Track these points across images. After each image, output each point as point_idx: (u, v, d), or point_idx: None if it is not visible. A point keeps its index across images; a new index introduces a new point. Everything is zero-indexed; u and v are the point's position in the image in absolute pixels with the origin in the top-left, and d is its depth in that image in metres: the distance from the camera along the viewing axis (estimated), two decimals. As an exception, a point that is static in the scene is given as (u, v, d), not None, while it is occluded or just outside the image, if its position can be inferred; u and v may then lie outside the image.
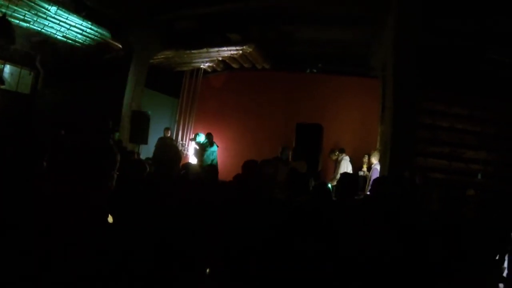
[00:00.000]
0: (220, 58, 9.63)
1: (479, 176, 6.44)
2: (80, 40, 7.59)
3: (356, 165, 8.13)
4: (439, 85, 6.24)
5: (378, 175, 6.79)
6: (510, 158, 6.30)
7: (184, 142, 10.36)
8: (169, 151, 7.77)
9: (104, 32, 7.76)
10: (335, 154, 8.32)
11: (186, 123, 10.39)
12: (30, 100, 7.14)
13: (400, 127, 6.16)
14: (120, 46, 8.39)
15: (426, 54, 5.96)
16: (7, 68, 6.89)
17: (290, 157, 6.77)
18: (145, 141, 8.82)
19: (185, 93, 10.46)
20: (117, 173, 2.51)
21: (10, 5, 5.58)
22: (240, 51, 9.04)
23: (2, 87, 6.34)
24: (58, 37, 7.13)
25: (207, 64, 10.04)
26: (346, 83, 9.09)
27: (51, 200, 1.98)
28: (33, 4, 6.04)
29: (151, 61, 9.06)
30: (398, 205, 3.19)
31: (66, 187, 2.09)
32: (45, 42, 6.95)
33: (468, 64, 6.26)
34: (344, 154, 8.20)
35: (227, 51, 9.11)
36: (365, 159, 7.88)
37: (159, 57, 9.13)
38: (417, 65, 5.98)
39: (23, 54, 6.85)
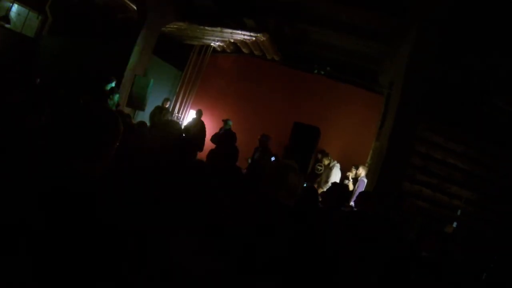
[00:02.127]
0: (232, 40, 9.52)
1: (458, 212, 6.60)
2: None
3: (342, 174, 8.22)
4: (440, 118, 6.31)
5: (363, 189, 6.94)
6: (491, 202, 6.44)
7: (180, 115, 10.31)
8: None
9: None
10: (328, 159, 8.39)
11: (186, 97, 10.31)
12: (34, 44, 6.96)
13: (395, 148, 6.26)
14: (135, 7, 8.23)
15: (434, 84, 6.02)
16: (15, 8, 6.69)
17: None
18: (142, 108, 8.75)
19: (190, 67, 10.34)
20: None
21: None
22: (254, 38, 8.94)
23: (7, 26, 6.16)
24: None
25: (218, 43, 9.92)
26: (350, 92, 9.10)
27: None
28: None
29: (163, 29, 8.91)
30: (378, 224, 3.27)
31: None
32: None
33: (472, 103, 6.33)
34: (335, 161, 8.28)
35: (241, 35, 8.99)
36: (353, 170, 7.97)
37: (171, 26, 8.97)
38: (423, 93, 6.05)
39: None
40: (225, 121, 8.61)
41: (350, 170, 8.01)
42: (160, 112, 8.21)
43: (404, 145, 6.19)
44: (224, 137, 6.57)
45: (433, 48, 5.90)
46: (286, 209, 2.78)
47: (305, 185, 4.54)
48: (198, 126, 8.44)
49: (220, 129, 8.55)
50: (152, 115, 8.31)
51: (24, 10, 6.82)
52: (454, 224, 6.55)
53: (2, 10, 6.24)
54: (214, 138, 8.22)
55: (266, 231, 2.44)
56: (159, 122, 6.22)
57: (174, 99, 10.34)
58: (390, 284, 2.92)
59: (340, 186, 4.74)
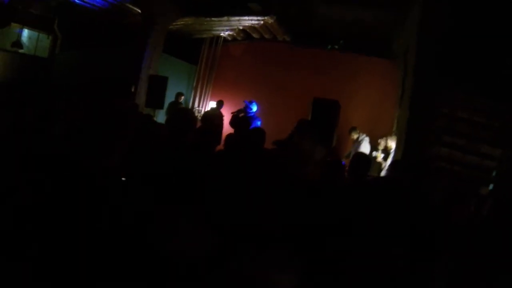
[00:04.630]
0: (241, 27, 9.46)
1: (494, 173, 6.29)
2: (99, 4, 7.53)
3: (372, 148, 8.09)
4: (462, 76, 6.02)
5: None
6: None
7: (200, 108, 10.40)
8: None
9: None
10: (356, 133, 8.25)
11: (204, 89, 10.38)
12: (48, 64, 7.21)
13: (417, 112, 6.08)
14: (139, 11, 8.31)
15: (449, 43, 5.75)
16: (25, 32, 6.93)
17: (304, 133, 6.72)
18: (161, 106, 8.86)
19: (203, 60, 10.38)
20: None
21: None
22: (261, 22, 8.85)
23: (21, 51, 6.39)
24: (77, 1, 7.10)
25: (227, 33, 9.88)
26: (366, 63, 8.84)
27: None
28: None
29: (170, 27, 8.96)
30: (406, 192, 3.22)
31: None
32: (63, 6, 6.92)
33: (492, 57, 6.00)
34: (365, 135, 8.13)
35: (248, 21, 8.92)
36: (381, 142, 7.79)
37: (178, 23, 9.01)
38: (438, 53, 5.80)
39: (41, 18, 6.85)
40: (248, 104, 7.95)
41: (377, 142, 7.85)
42: (174, 106, 8.34)
43: (426, 108, 5.99)
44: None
45: (444, 5, 5.63)
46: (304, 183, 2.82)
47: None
48: (217, 118, 8.49)
49: (239, 111, 8.02)
50: (168, 111, 8.47)
51: (33, 33, 7.06)
52: (490, 187, 6.27)
53: (13, 36, 6.48)
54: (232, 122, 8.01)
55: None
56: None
57: (192, 93, 10.43)
58: (417, 254, 2.85)
59: (364, 156, 4.64)
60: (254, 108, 7.84)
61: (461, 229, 3.66)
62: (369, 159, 4.34)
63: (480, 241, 3.35)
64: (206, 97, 10.40)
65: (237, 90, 9.90)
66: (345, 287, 2.31)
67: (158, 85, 8.66)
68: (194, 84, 10.51)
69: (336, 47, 8.97)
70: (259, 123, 7.52)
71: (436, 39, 5.80)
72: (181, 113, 3.73)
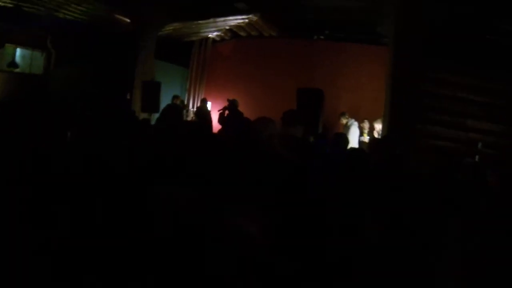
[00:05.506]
0: (228, 27, 9.73)
1: (480, 145, 6.49)
2: (89, 17, 7.81)
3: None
4: (443, 54, 6.23)
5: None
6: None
7: (194, 109, 10.68)
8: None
9: (111, 7, 7.95)
10: (345, 118, 8.49)
11: (196, 91, 10.67)
12: (44, 80, 7.49)
13: (399, 92, 6.32)
14: (129, 20, 8.60)
15: (430, 21, 5.97)
16: (19, 51, 7.20)
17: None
18: (156, 110, 9.14)
19: (194, 62, 10.67)
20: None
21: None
22: (247, 20, 9.12)
23: (16, 70, 6.67)
24: (68, 16, 7.38)
25: (215, 34, 10.16)
26: (354, 50, 9.05)
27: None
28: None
29: (160, 33, 9.24)
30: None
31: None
32: (55, 22, 7.20)
33: (473, 32, 6.21)
34: (353, 120, 8.38)
35: (234, 20, 9.19)
36: (365, 124, 8.05)
37: (167, 29, 9.29)
38: (420, 33, 6.02)
39: (34, 36, 7.13)
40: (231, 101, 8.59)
41: (362, 126, 8.10)
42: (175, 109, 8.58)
43: (408, 87, 6.22)
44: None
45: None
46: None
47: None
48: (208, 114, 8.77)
49: (224, 108, 8.50)
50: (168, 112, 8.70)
51: (27, 51, 7.33)
52: (476, 158, 6.47)
53: (7, 57, 6.75)
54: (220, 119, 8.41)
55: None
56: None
57: (186, 95, 10.72)
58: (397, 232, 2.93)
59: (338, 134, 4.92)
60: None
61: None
62: (346, 137, 4.65)
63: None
64: (199, 97, 10.68)
65: (227, 88, 10.16)
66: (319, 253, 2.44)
67: (152, 91, 8.95)
68: (187, 86, 10.79)
69: (322, 37, 9.19)
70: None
71: (415, 20, 6.03)
72: (171, 108, 4.07)
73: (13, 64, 6.94)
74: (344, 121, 8.45)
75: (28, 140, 3.46)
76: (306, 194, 2.56)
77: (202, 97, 10.69)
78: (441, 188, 3.39)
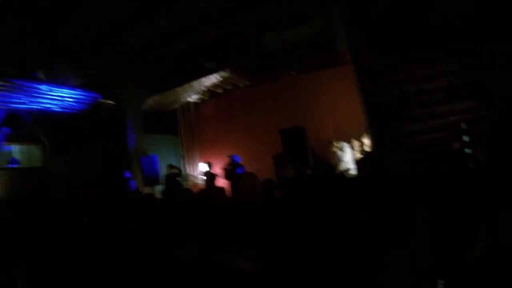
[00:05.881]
0: (204, 88, 10.32)
1: (462, 125, 6.62)
2: (77, 107, 8.37)
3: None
4: (396, 50, 6.53)
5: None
6: (484, 103, 6.47)
7: (194, 174, 10.98)
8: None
9: (95, 95, 8.56)
10: (334, 145, 8.65)
11: (191, 155, 11.05)
12: (44, 172, 7.86)
13: (371, 103, 6.61)
14: (113, 102, 9.21)
15: (375, 24, 6.39)
16: (16, 148, 7.66)
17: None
18: (157, 182, 9.48)
19: (182, 128, 11.16)
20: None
21: (5, 93, 6.37)
22: (219, 77, 9.72)
23: (18, 166, 7.08)
24: (56, 109, 7.92)
25: (195, 97, 10.75)
26: (324, 75, 9.35)
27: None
28: (26, 87, 6.87)
29: (143, 108, 9.83)
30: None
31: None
32: (44, 116, 7.74)
33: (419, 21, 6.57)
34: (342, 142, 8.57)
35: (208, 80, 9.79)
36: (353, 142, 8.25)
37: (148, 103, 9.88)
38: (368, 36, 6.43)
39: (27, 132, 7.61)
40: (232, 157, 9.15)
41: (352, 145, 8.29)
42: (170, 178, 8.95)
43: (377, 94, 6.53)
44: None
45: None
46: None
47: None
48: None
49: (228, 165, 9.10)
50: (166, 183, 9.03)
51: (23, 147, 7.79)
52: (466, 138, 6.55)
53: (5, 155, 7.18)
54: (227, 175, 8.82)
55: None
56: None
57: (181, 162, 11.08)
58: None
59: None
60: (237, 158, 8.74)
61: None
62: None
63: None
64: (194, 161, 11.04)
65: (220, 145, 10.54)
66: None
67: (150, 165, 9.36)
68: (181, 153, 11.20)
69: (293, 72, 9.71)
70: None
71: (360, 25, 6.47)
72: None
73: (13, 161, 7.36)
74: (334, 148, 8.60)
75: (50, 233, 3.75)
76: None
77: (201, 160, 11.07)
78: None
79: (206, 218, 3.57)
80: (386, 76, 6.59)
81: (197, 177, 10.87)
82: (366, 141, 7.83)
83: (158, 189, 8.96)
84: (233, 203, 3.65)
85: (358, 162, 6.47)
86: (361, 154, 8.05)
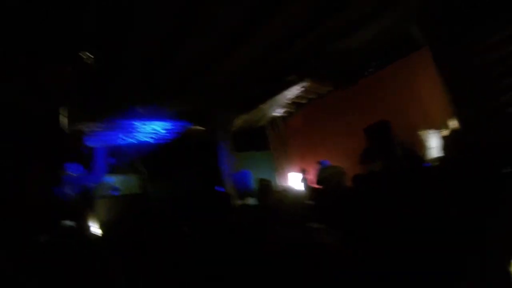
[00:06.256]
0: (289, 101, 10.49)
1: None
2: (170, 137, 9.29)
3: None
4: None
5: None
6: None
7: (290, 185, 11.10)
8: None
9: (185, 123, 9.39)
10: (422, 133, 8.12)
11: (283, 168, 11.23)
12: (144, 198, 8.78)
13: (451, 79, 6.11)
14: (203, 128, 9.96)
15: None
16: (115, 178, 8.73)
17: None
18: (250, 195, 9.82)
19: (272, 143, 11.47)
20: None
21: (105, 131, 7.42)
22: (302, 88, 9.81)
23: (120, 193, 8.09)
24: (150, 141, 8.92)
25: (281, 111, 10.99)
26: (403, 66, 8.76)
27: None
28: (124, 125, 7.90)
29: (234, 129, 10.40)
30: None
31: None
32: (140, 148, 8.76)
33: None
34: (430, 129, 8.00)
35: (290, 93, 9.95)
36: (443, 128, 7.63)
37: (238, 123, 10.41)
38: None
39: (126, 163, 8.68)
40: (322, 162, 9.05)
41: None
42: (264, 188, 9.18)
43: (455, 70, 6.02)
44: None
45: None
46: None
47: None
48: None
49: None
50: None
51: (121, 177, 8.85)
52: None
53: (107, 185, 8.17)
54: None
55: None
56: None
57: (276, 176, 11.32)
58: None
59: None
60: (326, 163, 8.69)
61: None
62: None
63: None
64: (287, 172, 11.19)
65: (309, 154, 10.53)
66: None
67: (241, 180, 9.77)
68: (275, 166, 11.46)
69: (372, 70, 9.33)
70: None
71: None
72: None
73: (115, 189, 8.42)
74: (422, 137, 8.03)
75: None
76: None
77: (292, 171, 11.20)
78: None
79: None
80: (463, 50, 6.01)
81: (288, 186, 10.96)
82: (455, 123, 7.13)
83: (251, 201, 9.29)
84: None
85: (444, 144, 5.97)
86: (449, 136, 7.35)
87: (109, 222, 7.28)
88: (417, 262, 2.23)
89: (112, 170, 8.15)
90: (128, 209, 7.83)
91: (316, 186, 8.88)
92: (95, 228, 6.40)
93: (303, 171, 9.61)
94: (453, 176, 3.23)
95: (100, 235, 6.47)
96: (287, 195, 5.14)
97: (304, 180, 9.33)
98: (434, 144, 7.56)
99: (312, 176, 9.52)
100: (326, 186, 5.40)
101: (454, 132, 7.34)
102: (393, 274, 2.23)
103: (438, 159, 7.51)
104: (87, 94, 6.59)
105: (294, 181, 9.85)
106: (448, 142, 6.33)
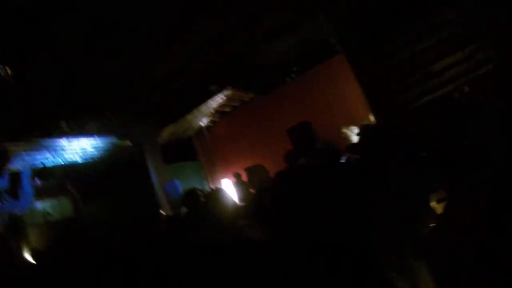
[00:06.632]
0: (213, 111, 10.73)
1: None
2: (95, 154, 8.92)
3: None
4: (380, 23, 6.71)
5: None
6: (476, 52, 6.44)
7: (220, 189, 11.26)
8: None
9: (110, 138, 9.08)
10: (344, 130, 8.78)
11: (213, 176, 11.41)
12: (78, 221, 8.25)
13: (365, 79, 6.84)
14: (130, 143, 9.72)
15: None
16: (48, 203, 8.14)
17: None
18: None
19: (200, 152, 11.58)
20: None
21: (29, 151, 6.92)
22: (224, 97, 10.11)
23: (51, 219, 7.52)
24: (78, 160, 8.48)
25: (205, 120, 11.18)
26: (324, 69, 9.59)
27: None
28: (48, 144, 7.43)
29: (160, 140, 10.32)
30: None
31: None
32: (69, 168, 8.29)
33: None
34: (351, 126, 8.70)
35: (214, 102, 10.20)
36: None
37: (164, 134, 10.36)
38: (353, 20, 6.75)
39: (55, 185, 8.12)
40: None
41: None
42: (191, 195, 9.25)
43: (368, 70, 6.77)
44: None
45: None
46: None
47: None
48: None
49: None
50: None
51: (54, 201, 8.28)
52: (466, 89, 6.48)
53: (37, 211, 7.53)
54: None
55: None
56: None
57: (206, 184, 11.42)
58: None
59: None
60: None
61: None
62: None
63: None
64: (217, 180, 11.37)
65: (238, 160, 10.80)
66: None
67: (171, 190, 9.71)
68: (203, 175, 11.58)
69: (293, 75, 9.97)
70: None
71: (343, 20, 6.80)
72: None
73: (47, 215, 7.82)
74: (344, 134, 8.69)
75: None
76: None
77: (223, 177, 11.36)
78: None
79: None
80: (374, 52, 6.81)
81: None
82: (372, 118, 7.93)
83: (183, 210, 9.28)
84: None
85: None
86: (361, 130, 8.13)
87: (43, 251, 6.73)
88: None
89: (41, 194, 7.55)
90: (63, 236, 7.30)
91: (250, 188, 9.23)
92: (28, 259, 5.91)
93: (237, 175, 9.83)
94: (364, 167, 3.63)
95: (33, 265, 5.98)
96: (215, 198, 5.14)
97: (237, 184, 9.58)
98: (355, 140, 8.27)
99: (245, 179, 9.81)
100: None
101: (365, 126, 8.18)
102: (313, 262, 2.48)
103: (353, 151, 8.26)
104: (6, 112, 6.13)
105: (227, 186, 10.04)
106: (361, 136, 6.95)
